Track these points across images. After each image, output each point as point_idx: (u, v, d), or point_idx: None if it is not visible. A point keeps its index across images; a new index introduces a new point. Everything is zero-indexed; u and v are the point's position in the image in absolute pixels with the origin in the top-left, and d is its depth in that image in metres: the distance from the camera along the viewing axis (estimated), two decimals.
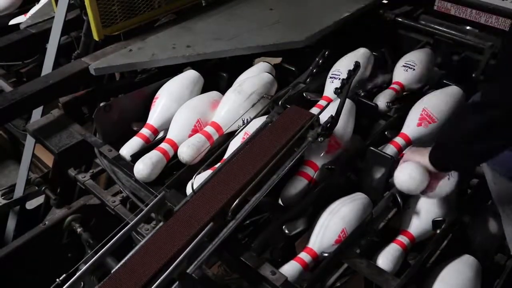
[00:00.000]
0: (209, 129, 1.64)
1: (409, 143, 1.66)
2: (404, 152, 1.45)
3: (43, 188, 1.89)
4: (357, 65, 1.65)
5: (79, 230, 1.78)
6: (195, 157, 1.55)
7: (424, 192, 1.38)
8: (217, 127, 1.65)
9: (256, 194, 1.31)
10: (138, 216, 1.23)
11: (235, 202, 1.26)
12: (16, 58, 2.45)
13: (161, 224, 1.23)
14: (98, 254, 1.16)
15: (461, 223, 1.50)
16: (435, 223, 1.48)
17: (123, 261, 1.15)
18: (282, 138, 1.42)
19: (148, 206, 1.23)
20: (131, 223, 1.22)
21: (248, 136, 1.52)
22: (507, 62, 1.14)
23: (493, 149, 1.20)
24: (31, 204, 2.14)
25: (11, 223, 2.12)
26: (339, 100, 1.56)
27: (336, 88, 1.59)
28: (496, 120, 1.12)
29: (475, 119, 1.17)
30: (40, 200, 2.09)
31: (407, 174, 1.35)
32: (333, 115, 1.48)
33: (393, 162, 1.54)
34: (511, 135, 1.14)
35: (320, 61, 1.86)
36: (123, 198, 1.65)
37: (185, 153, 1.55)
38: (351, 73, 1.60)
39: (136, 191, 1.57)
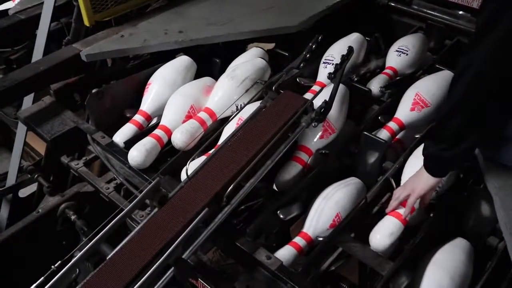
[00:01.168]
0: (202, 115, 1.63)
1: (402, 127, 1.67)
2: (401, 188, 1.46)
3: (36, 176, 1.88)
4: (350, 50, 1.65)
5: (73, 217, 1.78)
6: (189, 143, 1.55)
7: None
8: (211, 113, 1.64)
9: (251, 180, 1.31)
10: (133, 203, 1.22)
11: (230, 188, 1.26)
12: (5, 44, 2.43)
13: (155, 210, 1.23)
14: (93, 240, 1.16)
15: (454, 207, 1.51)
16: (429, 207, 1.49)
17: (118, 247, 1.15)
18: (276, 123, 1.41)
19: (143, 193, 1.22)
20: (126, 210, 1.22)
21: (242, 121, 1.51)
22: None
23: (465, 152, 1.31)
24: (24, 192, 2.13)
25: (4, 211, 2.12)
26: (332, 85, 1.56)
27: (330, 73, 1.59)
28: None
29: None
30: (33, 188, 2.08)
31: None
32: (327, 100, 1.47)
33: (387, 147, 1.55)
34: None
35: (314, 46, 1.85)
36: (117, 185, 1.65)
37: (179, 139, 1.55)
38: (345, 58, 1.60)
39: (130, 177, 1.57)
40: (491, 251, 1.45)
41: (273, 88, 1.57)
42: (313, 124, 1.45)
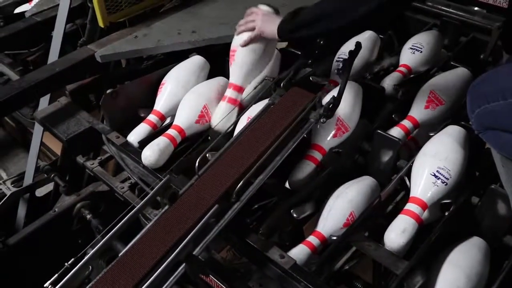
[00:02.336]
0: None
1: (417, 126, 1.65)
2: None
3: (52, 175, 1.90)
4: (358, 45, 1.62)
5: (88, 216, 1.80)
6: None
7: None
8: None
9: (260, 176, 1.31)
10: (144, 200, 1.24)
11: (239, 184, 1.26)
12: (22, 46, 2.47)
13: (166, 207, 1.24)
14: (105, 238, 1.17)
15: (470, 205, 1.49)
16: (443, 206, 1.47)
17: (130, 244, 1.16)
18: (284, 119, 1.41)
19: (153, 190, 1.23)
20: (137, 207, 1.23)
21: (250, 118, 1.51)
22: None
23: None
24: (40, 192, 2.16)
25: (21, 211, 2.15)
26: None
27: (338, 69, 1.57)
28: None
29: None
30: (49, 187, 2.11)
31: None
32: (335, 95, 1.46)
33: (400, 145, 1.53)
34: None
35: (321, 42, 1.83)
36: (131, 184, 1.66)
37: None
38: (353, 53, 1.57)
39: (144, 177, 1.58)
40: (507, 250, 1.43)
41: (282, 84, 1.56)
42: (321, 120, 1.43)
